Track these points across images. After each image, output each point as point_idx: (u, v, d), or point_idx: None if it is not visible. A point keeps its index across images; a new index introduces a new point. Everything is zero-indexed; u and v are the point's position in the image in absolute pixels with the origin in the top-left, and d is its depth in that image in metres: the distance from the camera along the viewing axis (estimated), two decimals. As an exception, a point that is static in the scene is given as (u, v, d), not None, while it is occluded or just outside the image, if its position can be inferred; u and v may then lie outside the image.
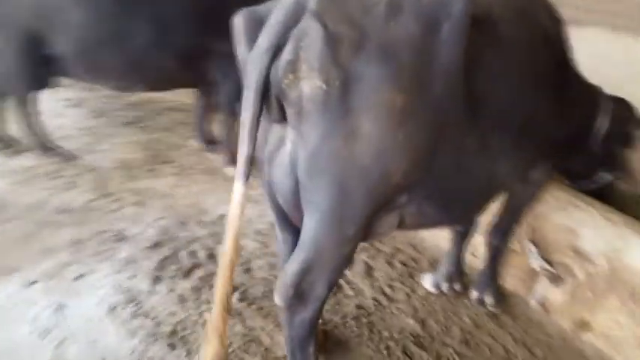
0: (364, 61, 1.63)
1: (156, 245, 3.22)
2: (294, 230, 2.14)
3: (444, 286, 2.94)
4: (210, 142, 4.43)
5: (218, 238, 3.32)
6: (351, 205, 1.82)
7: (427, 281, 2.99)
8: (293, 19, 1.67)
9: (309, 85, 1.65)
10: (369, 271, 3.15)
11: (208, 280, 2.96)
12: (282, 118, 1.80)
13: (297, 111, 1.71)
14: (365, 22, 1.65)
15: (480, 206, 2.22)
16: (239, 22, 1.85)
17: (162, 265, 3.06)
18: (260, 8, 1.84)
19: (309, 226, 1.83)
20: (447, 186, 1.98)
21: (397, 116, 1.69)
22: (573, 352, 2.67)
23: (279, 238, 2.26)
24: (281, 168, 1.85)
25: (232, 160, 4.07)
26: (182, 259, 3.12)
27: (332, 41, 1.61)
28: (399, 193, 1.88)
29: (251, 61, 1.73)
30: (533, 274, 2.88)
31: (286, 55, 1.66)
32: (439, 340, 2.68)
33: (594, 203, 2.67)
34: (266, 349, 2.52)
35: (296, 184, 1.81)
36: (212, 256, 3.16)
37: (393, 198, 1.89)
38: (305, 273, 1.91)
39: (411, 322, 2.78)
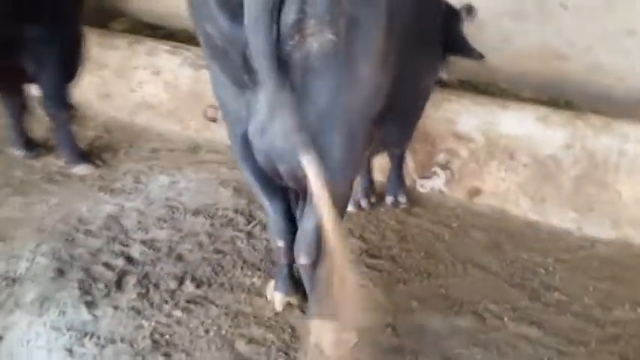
0: (358, 3, 1.70)
1: (59, 273, 2.77)
2: (282, 197, 2.22)
3: (363, 202, 3.24)
4: (31, 147, 3.77)
5: (120, 240, 3.02)
6: (357, 147, 1.96)
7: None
8: None
9: (318, 41, 1.64)
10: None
11: (146, 282, 2.73)
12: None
13: (304, 72, 1.69)
14: None
15: (419, 118, 2.52)
16: None
17: (83, 289, 2.68)
18: None
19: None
20: (403, 107, 2.22)
21: (382, 54, 1.82)
22: (474, 214, 3.27)
23: (269, 207, 2.23)
24: (282, 135, 1.81)
25: (76, 159, 3.61)
26: (101, 275, 2.77)
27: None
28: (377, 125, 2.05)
29: (251, 30, 1.62)
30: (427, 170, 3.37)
31: (290, 15, 1.61)
32: (383, 245, 3.01)
33: (463, 94, 3.21)
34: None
35: None
36: (131, 259, 2.88)
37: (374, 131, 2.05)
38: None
39: (353, 240, 3.03)
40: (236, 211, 3.24)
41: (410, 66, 2.09)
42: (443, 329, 2.50)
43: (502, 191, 3.24)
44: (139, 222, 3.18)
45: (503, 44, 3.82)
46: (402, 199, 3.26)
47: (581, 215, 3.09)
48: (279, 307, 2.52)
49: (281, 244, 2.26)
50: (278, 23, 1.61)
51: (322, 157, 1.80)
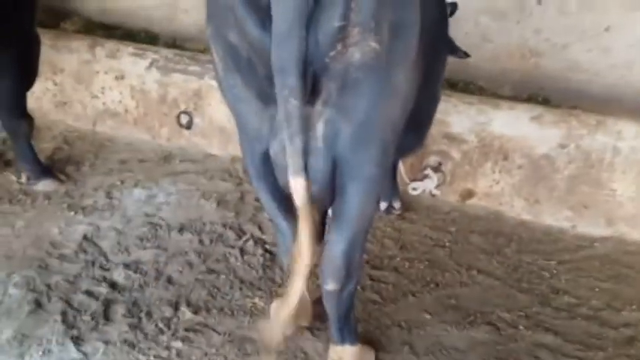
0: (399, 9, 1.55)
1: (37, 305, 2.49)
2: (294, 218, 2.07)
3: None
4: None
5: (100, 264, 2.76)
6: (388, 161, 1.87)
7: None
8: None
9: (360, 51, 1.49)
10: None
11: (137, 311, 2.50)
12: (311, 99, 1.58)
13: (341, 85, 1.55)
14: None
15: (431, 124, 2.41)
16: None
17: (67, 323, 2.42)
18: None
19: (353, 200, 1.76)
20: (418, 111, 2.10)
21: (415, 62, 1.69)
22: (470, 217, 3.21)
23: (286, 229, 2.02)
24: (312, 153, 1.65)
25: (39, 174, 3.28)
26: (84, 305, 2.51)
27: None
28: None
29: (280, 41, 1.43)
30: (418, 173, 3.28)
31: (333, 22, 1.43)
32: (385, 255, 2.89)
33: (452, 94, 3.13)
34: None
35: (332, 164, 1.69)
36: (115, 285, 2.63)
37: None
38: (353, 248, 1.88)
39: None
40: (224, 225, 3.04)
41: (427, 71, 1.98)
42: (460, 343, 2.41)
43: (496, 193, 3.20)
44: (118, 242, 2.91)
45: (482, 42, 3.79)
46: (397, 204, 3.16)
47: (575, 214, 3.09)
48: (289, 332, 2.35)
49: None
50: (308, 32, 1.43)
51: (356, 173, 1.70)
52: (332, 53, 1.47)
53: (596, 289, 2.72)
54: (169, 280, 2.68)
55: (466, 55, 2.96)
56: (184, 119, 3.67)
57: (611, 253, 2.95)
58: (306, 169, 1.60)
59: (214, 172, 3.52)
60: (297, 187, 1.59)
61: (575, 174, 3.03)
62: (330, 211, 1.98)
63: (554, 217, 3.13)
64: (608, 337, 2.46)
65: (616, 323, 2.54)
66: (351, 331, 2.15)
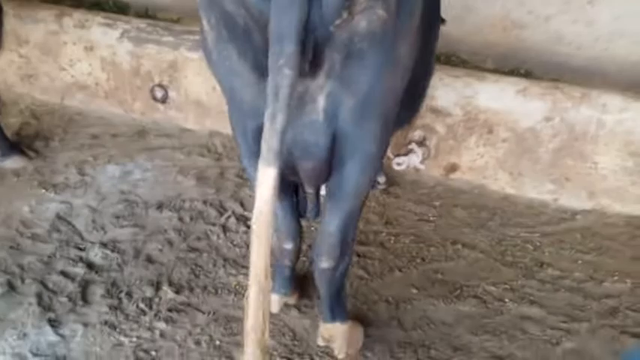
0: None
1: (11, 288, 2.39)
2: (292, 197, 2.06)
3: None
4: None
5: (75, 243, 2.65)
6: (389, 133, 1.78)
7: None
8: None
9: (367, 19, 1.40)
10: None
11: (116, 291, 2.42)
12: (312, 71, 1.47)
13: (345, 55, 1.45)
14: None
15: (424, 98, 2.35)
16: None
17: (43, 305, 2.32)
18: None
19: (352, 177, 1.70)
20: (414, 85, 2.04)
21: (416, 30, 1.62)
22: (454, 191, 3.17)
23: (278, 209, 1.96)
24: (311, 128, 1.58)
25: (6, 150, 3.11)
26: (61, 287, 2.42)
27: None
28: None
29: (280, 5, 1.31)
30: (403, 147, 3.22)
31: None
32: (370, 230, 2.84)
33: (438, 67, 3.06)
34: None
35: (332, 139, 1.61)
36: (92, 265, 2.54)
37: None
38: (348, 225, 1.83)
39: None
40: (204, 202, 2.95)
41: (422, 42, 1.91)
42: (447, 317, 2.40)
43: (480, 167, 3.18)
44: (93, 221, 2.80)
45: (464, 14, 3.72)
46: (382, 179, 3.11)
47: (558, 187, 3.09)
48: (276, 310, 2.30)
49: (289, 246, 2.05)
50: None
51: (356, 148, 1.63)
52: (337, 21, 1.37)
53: (579, 262, 2.73)
54: (149, 259, 2.60)
55: (443, 20, 2.91)
56: (159, 93, 3.52)
57: (593, 225, 2.97)
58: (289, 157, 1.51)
59: (192, 147, 3.39)
60: (266, 179, 1.37)
61: (559, 147, 3.02)
62: (323, 189, 1.90)
63: (537, 190, 3.13)
64: (591, 309, 2.48)
65: (599, 294, 2.56)
66: (342, 308, 2.12)
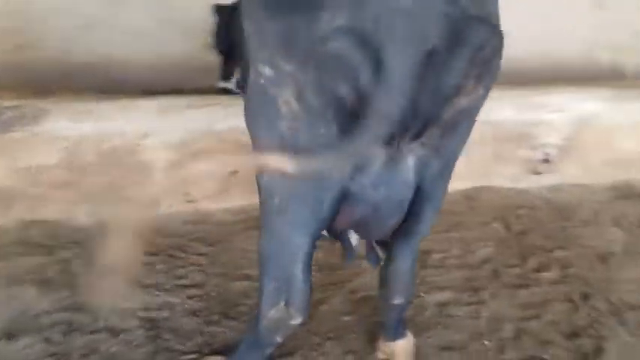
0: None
1: None
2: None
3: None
4: None
5: None
6: None
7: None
8: (447, 22, 1.29)
9: (468, 98, 1.46)
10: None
11: None
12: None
13: (444, 129, 1.54)
14: None
15: None
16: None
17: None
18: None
19: (427, 221, 1.81)
20: None
21: None
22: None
23: (301, 282, 1.75)
24: (400, 186, 1.65)
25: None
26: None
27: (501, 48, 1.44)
28: None
29: (389, 89, 1.27)
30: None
31: (454, 77, 1.36)
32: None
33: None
34: None
35: (414, 195, 1.71)
36: None
37: None
38: (415, 262, 2.01)
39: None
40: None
41: None
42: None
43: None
44: None
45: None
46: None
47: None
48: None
49: (299, 320, 1.77)
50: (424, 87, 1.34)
51: (432, 198, 1.74)
52: (447, 107, 1.44)
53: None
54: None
55: None
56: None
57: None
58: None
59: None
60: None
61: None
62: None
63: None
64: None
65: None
66: (404, 326, 2.23)
